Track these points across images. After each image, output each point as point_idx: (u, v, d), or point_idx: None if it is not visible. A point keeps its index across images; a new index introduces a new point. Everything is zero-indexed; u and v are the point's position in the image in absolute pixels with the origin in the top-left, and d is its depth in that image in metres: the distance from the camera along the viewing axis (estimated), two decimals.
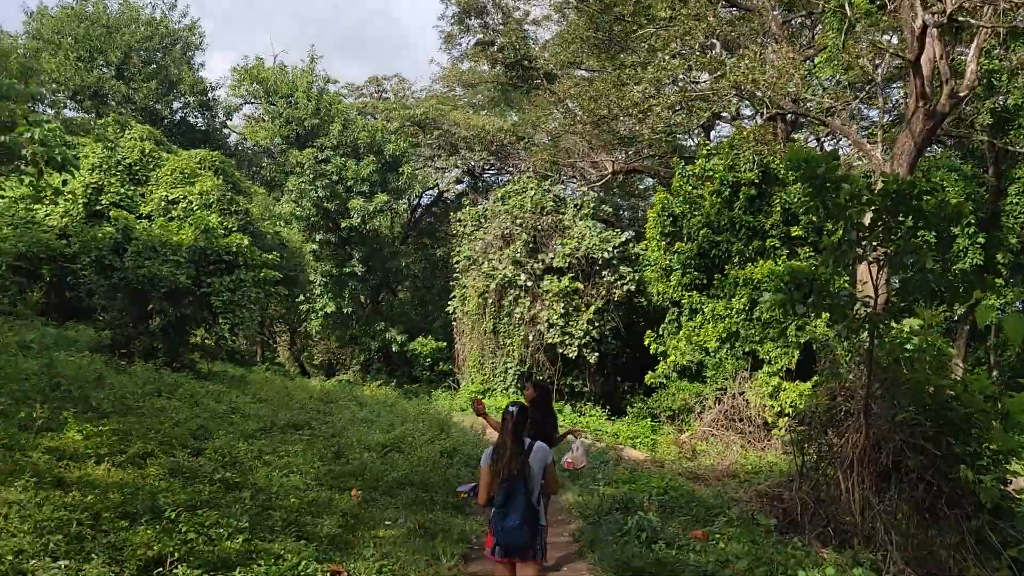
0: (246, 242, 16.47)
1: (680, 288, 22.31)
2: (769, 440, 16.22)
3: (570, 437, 7.64)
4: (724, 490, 11.31)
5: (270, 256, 17.31)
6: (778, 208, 21.32)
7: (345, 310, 32.54)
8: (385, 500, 9.04)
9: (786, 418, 16.43)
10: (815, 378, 18.73)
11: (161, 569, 5.29)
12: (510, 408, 5.41)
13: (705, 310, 21.44)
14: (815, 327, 19.09)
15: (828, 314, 9.14)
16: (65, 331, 18.68)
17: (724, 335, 20.55)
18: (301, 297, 31.88)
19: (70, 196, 22.78)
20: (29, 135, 14.53)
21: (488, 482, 5.27)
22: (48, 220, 23.63)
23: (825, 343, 16.31)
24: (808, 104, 21.93)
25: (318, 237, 31.04)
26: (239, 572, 5.39)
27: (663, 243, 23.21)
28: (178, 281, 14.62)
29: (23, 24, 36.98)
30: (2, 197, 22.15)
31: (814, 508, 9.09)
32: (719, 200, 21.75)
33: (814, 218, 20.83)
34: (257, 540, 6.21)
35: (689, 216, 22.27)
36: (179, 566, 5.28)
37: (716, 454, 15.66)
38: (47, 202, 22.37)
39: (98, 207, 24.31)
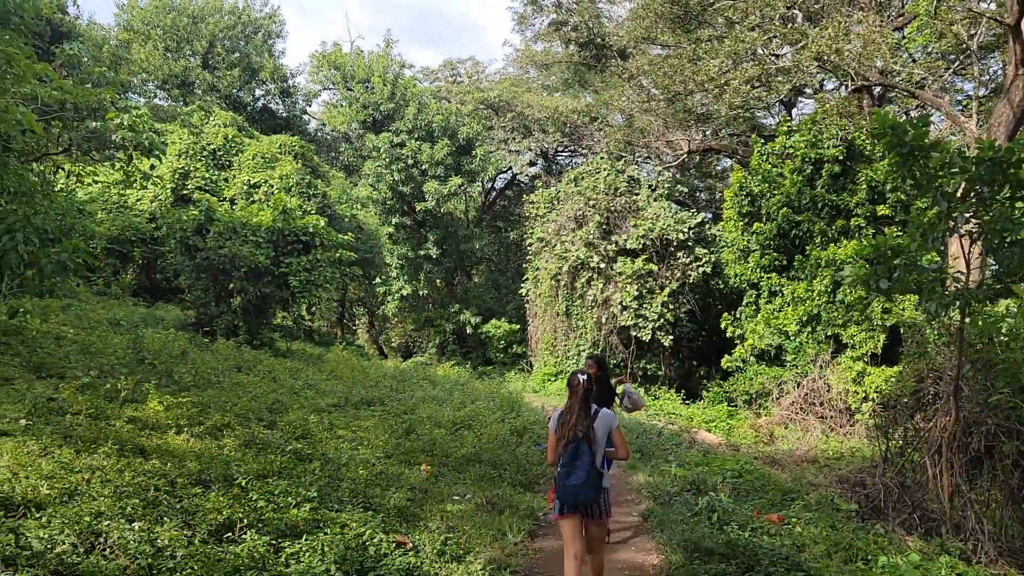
0: (322, 223, 16.79)
1: (758, 270, 21.72)
2: (852, 426, 15.62)
3: (619, 388, 7.76)
4: (802, 475, 10.93)
5: (345, 237, 17.59)
6: (863, 186, 20.49)
7: (420, 292, 32.93)
8: (453, 476, 9.05)
9: (870, 403, 15.79)
10: (902, 362, 17.99)
11: (230, 534, 5.40)
12: (578, 376, 5.60)
13: (785, 292, 20.83)
14: (902, 310, 18.34)
15: (916, 295, 8.68)
16: (155, 311, 19.49)
17: (805, 318, 19.93)
18: (378, 280, 32.36)
19: (158, 181, 23.65)
20: (118, 121, 15.08)
21: (554, 444, 5.53)
22: (139, 204, 24.64)
23: (912, 325, 15.59)
24: (897, 76, 20.90)
25: (394, 220, 31.42)
26: (305, 539, 5.46)
27: (741, 224, 22.61)
28: (257, 261, 15.00)
29: (114, 16, 38.49)
30: (96, 182, 23.16)
31: (899, 494, 8.68)
32: (800, 178, 21.04)
33: (902, 195, 20.15)
34: (324, 509, 6.28)
35: (768, 195, 21.61)
36: (248, 531, 5.37)
37: (795, 439, 15.17)
38: (137, 187, 23.30)
39: (185, 191, 25.21)
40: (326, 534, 5.56)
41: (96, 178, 22.96)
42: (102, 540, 4.70)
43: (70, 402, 7.98)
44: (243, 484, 6.24)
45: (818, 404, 16.14)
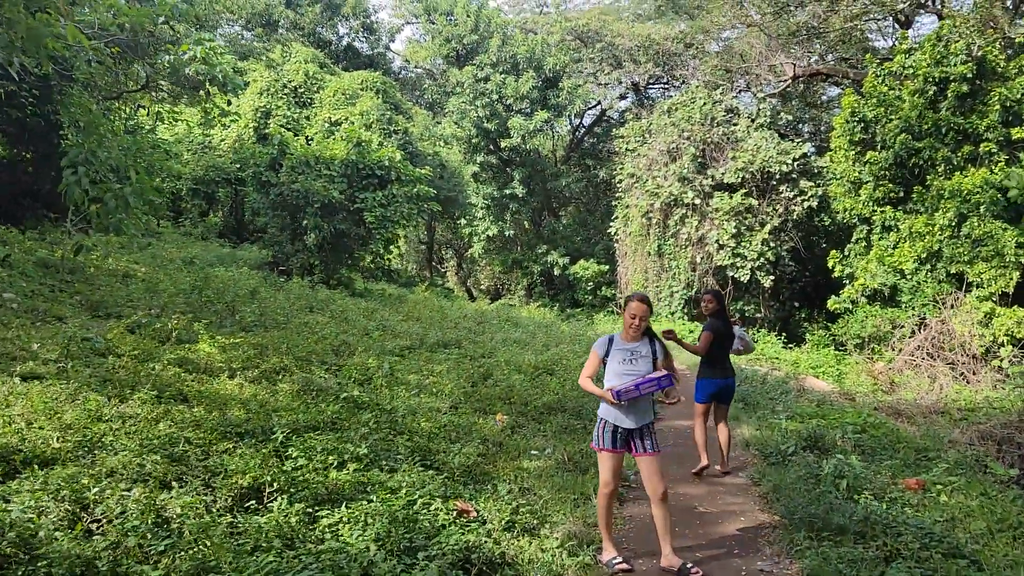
0: (398, 156, 15.86)
1: (871, 203, 19.90)
2: (987, 372, 13.86)
3: None
4: (935, 429, 9.50)
5: (423, 171, 16.63)
6: (996, 107, 18.30)
7: (507, 233, 32.01)
8: (532, 426, 8.07)
9: (1008, 348, 13.98)
10: None
11: (253, 503, 4.53)
12: None
13: (901, 227, 19.03)
14: None
15: None
16: (237, 251, 19.23)
17: (924, 255, 18.20)
18: (463, 221, 31.64)
19: (237, 117, 23.23)
20: (191, 53, 14.38)
21: None
22: (223, 145, 24.40)
23: None
24: None
25: (479, 159, 30.41)
26: (347, 507, 4.58)
27: (852, 153, 20.71)
28: (330, 196, 14.24)
29: None
30: (177, 121, 22.91)
31: None
32: (922, 100, 18.99)
33: None
34: (376, 469, 5.38)
35: (884, 120, 19.67)
36: (278, 497, 4.54)
37: (918, 387, 13.54)
38: (217, 125, 22.97)
39: (267, 130, 24.82)
40: (371, 501, 4.66)
41: (179, 118, 22.73)
42: (93, 510, 3.92)
43: (117, 342, 7.38)
44: (281, 439, 5.39)
45: (947, 349, 14.38)
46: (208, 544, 3.69)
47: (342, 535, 4.20)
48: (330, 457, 5.30)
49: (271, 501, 4.52)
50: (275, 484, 4.66)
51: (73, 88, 12.62)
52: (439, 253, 41.40)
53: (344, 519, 4.39)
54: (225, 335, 8.45)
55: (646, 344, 5.30)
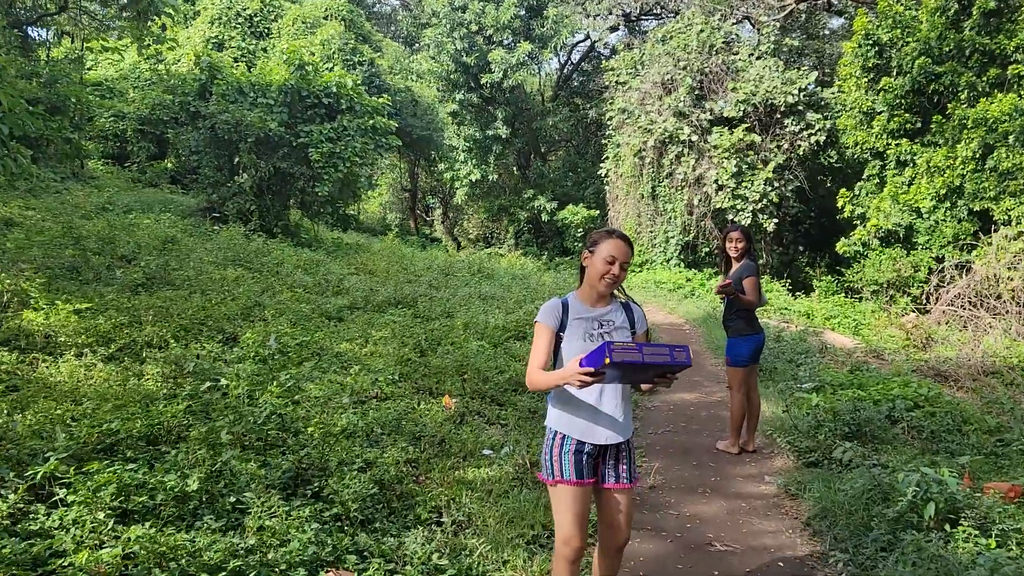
0: (350, 82, 13.58)
1: (885, 135, 18.08)
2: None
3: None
4: (994, 397, 7.63)
5: (380, 100, 14.36)
6: None
7: (491, 177, 29.79)
8: (490, 411, 6.16)
9: None
10: None
11: None
12: None
13: (918, 161, 17.33)
14: None
15: None
16: (179, 196, 17.14)
17: (943, 191, 16.51)
18: (443, 165, 29.47)
19: (173, 44, 20.91)
20: None
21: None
22: (171, 81, 22.10)
23: None
24: None
25: (458, 96, 28.00)
26: None
27: (864, 81, 18.76)
28: (267, 128, 12.05)
29: None
30: (104, 49, 20.51)
31: None
32: (943, 20, 17.15)
33: None
34: (209, 518, 3.30)
35: (901, 43, 17.80)
36: None
37: (957, 342, 11.63)
38: (151, 53, 20.63)
39: (220, 64, 22.48)
40: None
41: (110, 46, 20.38)
42: None
43: None
44: (50, 471, 3.38)
45: (993, 297, 12.46)
46: None
47: None
48: (130, 500, 3.27)
49: None
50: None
51: None
52: (423, 201, 39.28)
53: None
54: (89, 298, 6.46)
55: (619, 310, 3.27)
